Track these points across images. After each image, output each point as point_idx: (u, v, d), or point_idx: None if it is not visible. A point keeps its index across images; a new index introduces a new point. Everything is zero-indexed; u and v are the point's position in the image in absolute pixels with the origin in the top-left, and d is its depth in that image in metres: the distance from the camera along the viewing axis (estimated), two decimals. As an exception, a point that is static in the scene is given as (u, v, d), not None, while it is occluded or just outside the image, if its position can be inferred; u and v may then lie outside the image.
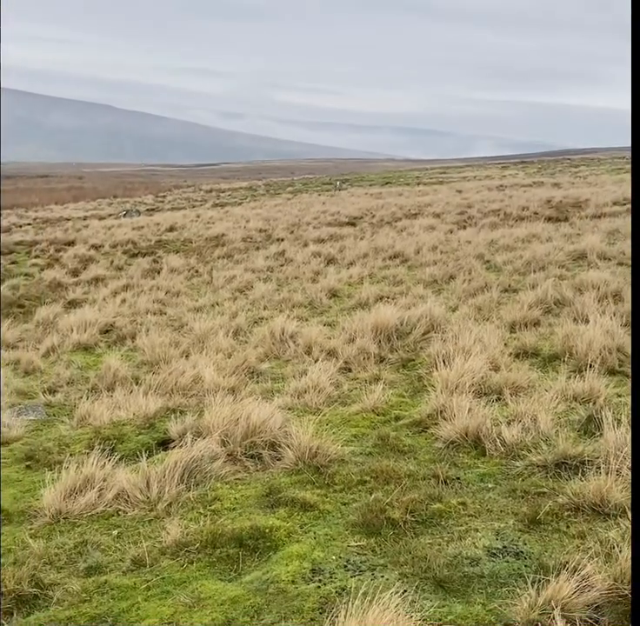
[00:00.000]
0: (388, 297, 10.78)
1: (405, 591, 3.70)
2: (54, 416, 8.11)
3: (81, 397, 8.47)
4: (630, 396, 5.62)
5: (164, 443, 6.61)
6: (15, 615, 4.31)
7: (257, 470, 5.68)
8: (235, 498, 5.21)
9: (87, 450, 6.65)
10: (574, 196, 24.40)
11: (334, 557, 4.20)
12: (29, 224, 35.83)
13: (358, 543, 4.35)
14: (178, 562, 4.50)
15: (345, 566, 4.11)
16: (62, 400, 8.50)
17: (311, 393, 7.00)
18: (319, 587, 3.90)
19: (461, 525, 4.41)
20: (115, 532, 5.06)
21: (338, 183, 35.70)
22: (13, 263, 20.78)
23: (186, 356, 8.92)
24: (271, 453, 5.83)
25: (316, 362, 8.11)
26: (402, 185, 53.90)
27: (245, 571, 4.27)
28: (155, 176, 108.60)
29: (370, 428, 6.15)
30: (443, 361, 6.92)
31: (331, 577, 4.00)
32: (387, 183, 60.59)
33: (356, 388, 7.30)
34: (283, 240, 19.28)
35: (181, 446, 6.35)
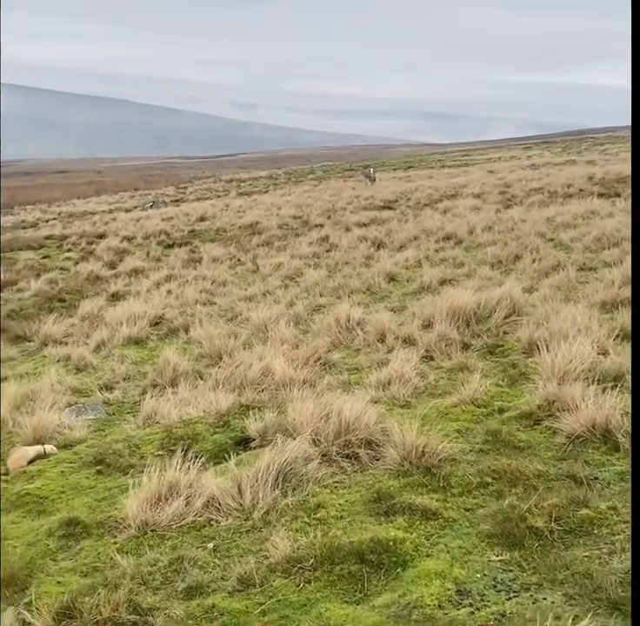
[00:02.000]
0: (452, 280, 10.20)
1: (576, 616, 3.16)
2: (114, 414, 7.64)
3: (141, 394, 8.01)
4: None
5: (243, 443, 6.11)
6: (114, 646, 3.82)
7: (355, 472, 5.15)
8: (339, 505, 4.69)
9: (160, 452, 6.17)
10: (615, 173, 23.62)
11: (478, 575, 3.66)
12: (54, 219, 35.51)
13: (500, 557, 3.81)
14: (292, 581, 3.98)
15: (494, 585, 3.58)
16: (120, 397, 8.03)
17: (397, 384, 6.46)
18: (473, 612, 3.37)
19: (617, 534, 3.84)
20: (210, 545, 4.56)
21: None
22: (46, 257, 20.37)
23: (248, 348, 8.40)
24: (369, 452, 5.30)
25: (391, 350, 7.57)
26: (425, 169, 53.12)
27: (373, 592, 3.75)
28: (173, 169, 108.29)
29: (474, 422, 5.60)
30: (538, 346, 6.35)
31: (482, 600, 3.47)
32: (410, 167, 59.80)
33: (442, 377, 6.76)
34: (322, 226, 18.72)
35: (263, 445, 5.87)
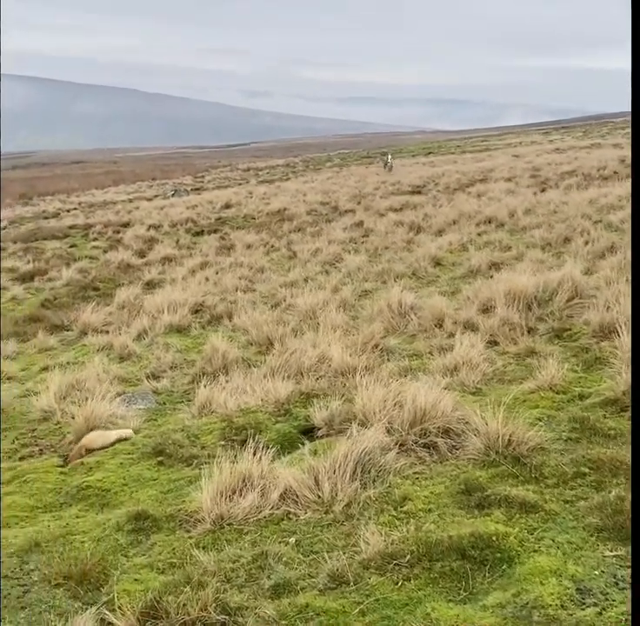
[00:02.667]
0: (502, 264, 9.92)
1: None
2: (164, 403, 7.44)
3: (190, 382, 7.81)
4: None
5: (308, 432, 5.88)
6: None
7: (435, 462, 4.92)
8: (425, 497, 4.45)
9: (222, 442, 5.95)
10: (648, 155, 23.12)
11: (596, 572, 3.41)
12: (75, 209, 35.36)
13: (616, 553, 3.55)
14: (390, 578, 3.75)
15: (616, 583, 3.33)
16: (169, 386, 7.83)
17: (464, 371, 6.21)
18: (600, 613, 3.12)
19: None
20: (292, 540, 4.34)
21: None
22: (73, 246, 20.20)
23: (299, 335, 8.17)
24: (448, 441, 5.06)
25: (451, 336, 7.32)
26: (445, 155, 52.65)
27: (479, 590, 3.51)
28: (188, 158, 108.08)
29: (555, 409, 5.35)
30: (616, 329, 6.07)
31: (606, 599, 3.22)
32: (430, 153, 59.35)
33: (510, 363, 6.50)
34: (353, 211, 18.44)
35: (330, 435, 5.65)
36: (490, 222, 13.69)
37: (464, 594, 3.52)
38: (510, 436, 4.69)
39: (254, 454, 4.96)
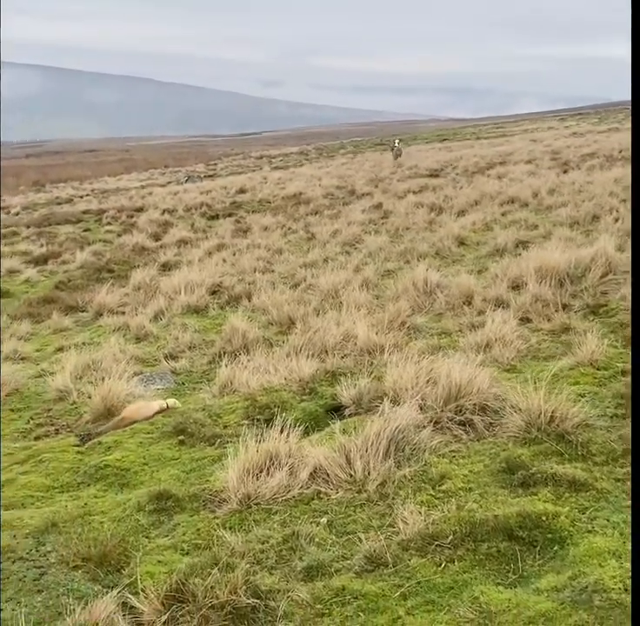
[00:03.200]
0: (528, 242, 9.62)
1: None
2: (183, 384, 7.20)
3: (209, 363, 7.57)
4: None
5: (335, 411, 5.62)
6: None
7: (472, 440, 4.66)
8: (464, 475, 4.20)
9: (245, 421, 5.71)
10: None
11: (658, 554, 3.14)
12: (88, 195, 35.17)
13: (677, 533, 3.27)
14: (431, 560, 3.51)
15: (681, 566, 3.05)
16: (188, 366, 7.59)
17: (498, 347, 5.94)
18: (668, 597, 2.85)
19: None
20: (323, 520, 4.09)
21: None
22: (86, 230, 20.00)
23: (321, 314, 7.91)
24: (484, 419, 4.80)
25: (480, 313, 7.05)
26: (461, 141, 52.15)
27: (530, 573, 3.26)
28: (201, 147, 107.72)
29: (597, 385, 5.08)
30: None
31: (674, 582, 2.94)
32: (445, 140, 58.83)
33: (545, 340, 6.23)
34: (370, 194, 18.13)
35: (358, 413, 5.40)
36: (513, 202, 13.37)
37: (514, 577, 3.27)
38: (553, 412, 4.43)
39: (281, 432, 4.73)
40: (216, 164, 59.11)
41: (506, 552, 3.42)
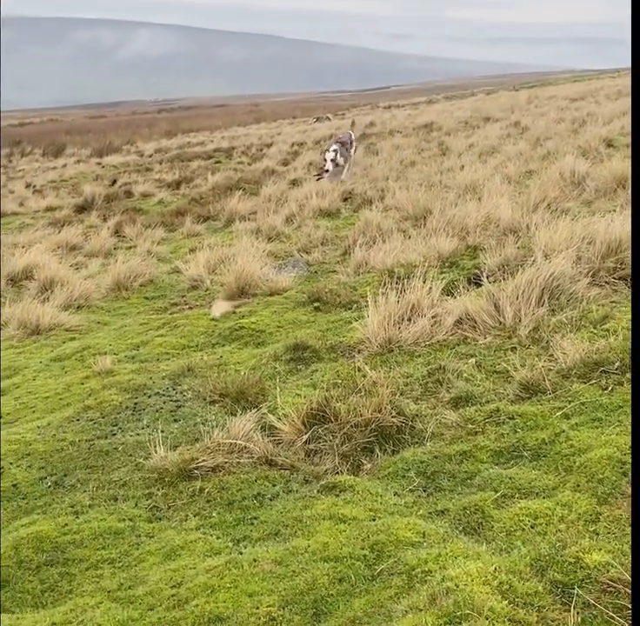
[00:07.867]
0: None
1: None
2: (316, 272, 7.00)
3: (342, 254, 7.35)
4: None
5: (478, 279, 5.27)
6: (377, 451, 3.16)
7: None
8: (628, 319, 3.80)
9: (383, 290, 5.46)
10: None
11: None
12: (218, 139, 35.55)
13: None
14: (596, 384, 3.18)
15: None
16: (320, 258, 7.39)
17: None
18: None
19: None
20: (471, 361, 3.81)
21: None
22: (217, 162, 20.14)
23: (460, 206, 7.52)
24: (648, 273, 4.35)
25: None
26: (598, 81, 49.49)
27: None
28: (328, 101, 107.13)
29: None
30: None
31: None
32: (576, 81, 56.10)
33: None
34: (506, 119, 17.36)
35: (505, 279, 5.04)
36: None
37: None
38: None
39: (423, 284, 4.46)
40: (343, 114, 58.70)
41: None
